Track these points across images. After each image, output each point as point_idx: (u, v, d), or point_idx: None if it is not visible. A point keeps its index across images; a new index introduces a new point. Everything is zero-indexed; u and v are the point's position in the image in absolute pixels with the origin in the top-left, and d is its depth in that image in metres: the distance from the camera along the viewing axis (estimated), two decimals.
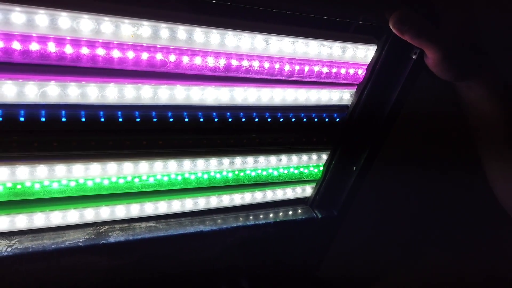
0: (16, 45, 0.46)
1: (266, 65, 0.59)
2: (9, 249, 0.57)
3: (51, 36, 0.47)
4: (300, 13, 0.56)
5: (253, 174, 0.73)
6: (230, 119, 0.63)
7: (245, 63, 0.58)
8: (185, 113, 0.59)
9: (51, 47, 0.47)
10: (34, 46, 0.46)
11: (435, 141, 0.75)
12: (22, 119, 0.50)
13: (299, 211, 0.80)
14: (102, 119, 0.54)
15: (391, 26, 0.56)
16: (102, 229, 0.64)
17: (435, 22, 0.56)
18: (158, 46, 0.52)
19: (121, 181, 0.63)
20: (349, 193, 0.78)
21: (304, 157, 0.75)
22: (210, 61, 0.56)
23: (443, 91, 0.66)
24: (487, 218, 0.74)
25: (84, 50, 0.49)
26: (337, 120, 0.72)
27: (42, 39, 0.46)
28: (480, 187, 0.62)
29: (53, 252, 0.59)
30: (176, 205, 0.69)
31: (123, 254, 0.65)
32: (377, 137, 0.71)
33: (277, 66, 0.60)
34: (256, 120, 0.66)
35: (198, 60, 0.55)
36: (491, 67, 0.60)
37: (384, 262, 0.85)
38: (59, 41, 0.47)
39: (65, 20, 0.46)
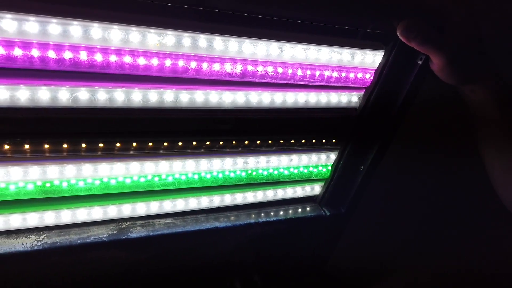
0: (52, 54, 0.49)
1: (280, 70, 0.63)
2: (39, 243, 0.61)
3: (83, 45, 0.50)
4: (312, 22, 0.59)
5: (265, 173, 0.77)
6: (245, 121, 0.67)
7: (260, 69, 0.62)
8: (204, 116, 0.62)
9: (83, 56, 0.51)
10: (67, 55, 0.50)
11: (442, 138, 0.78)
12: (54, 122, 0.54)
13: (308, 208, 0.84)
14: (127, 123, 0.58)
15: (398, 34, 0.59)
16: (124, 225, 0.68)
17: (440, 30, 0.59)
18: (180, 53, 0.56)
19: (142, 179, 0.67)
20: (357, 191, 0.81)
21: (314, 157, 0.78)
22: (228, 67, 0.59)
23: (448, 93, 0.69)
24: (494, 216, 0.77)
25: (113, 58, 0.52)
26: (346, 122, 0.75)
27: (75, 48, 0.50)
28: (486, 186, 0.65)
29: (79, 246, 0.63)
30: (193, 202, 0.73)
31: (144, 249, 0.68)
32: (384, 138, 0.74)
33: (290, 71, 0.64)
34: (269, 122, 0.69)
35: (216, 66, 0.59)
36: (494, 71, 0.64)
37: (391, 258, 0.88)
38: (90, 49, 0.51)
39: (96, 30, 0.49)
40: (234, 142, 0.69)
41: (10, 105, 0.50)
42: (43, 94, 0.51)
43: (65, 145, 0.57)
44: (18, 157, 0.56)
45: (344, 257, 0.89)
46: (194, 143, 0.66)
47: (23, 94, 0.50)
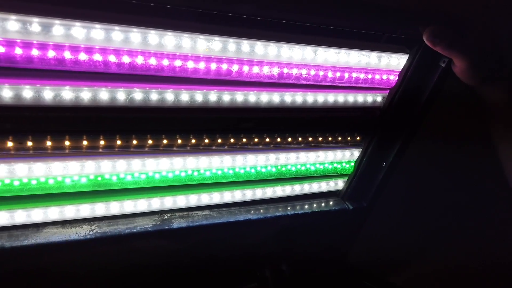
0: (112, 58, 0.54)
1: (313, 72, 0.68)
2: (91, 233, 0.66)
3: (139, 51, 0.56)
4: (342, 27, 0.64)
5: (293, 169, 0.82)
6: (277, 120, 0.72)
7: (294, 71, 0.67)
8: (241, 116, 0.67)
9: (139, 60, 0.56)
10: (125, 59, 0.55)
11: (462, 135, 0.82)
12: (111, 120, 0.59)
13: (332, 202, 0.89)
14: (174, 122, 0.63)
15: (424, 39, 0.64)
16: (166, 217, 0.73)
17: (463, 36, 0.64)
18: (224, 57, 0.61)
19: (183, 174, 0.72)
20: (378, 186, 0.86)
21: (339, 153, 0.83)
22: (266, 70, 0.64)
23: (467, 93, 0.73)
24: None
25: (165, 62, 0.57)
26: (370, 120, 0.80)
27: (133, 53, 0.55)
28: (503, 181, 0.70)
29: (127, 236, 0.68)
30: (228, 196, 0.78)
31: (184, 238, 0.73)
32: (406, 136, 0.79)
33: (321, 73, 0.69)
34: (299, 120, 0.74)
35: (256, 69, 0.64)
36: (510, 73, 0.68)
37: (409, 250, 0.93)
38: (146, 54, 0.56)
39: (153, 37, 0.54)
40: (267, 140, 0.74)
41: (74, 104, 0.55)
42: (103, 95, 0.56)
43: (118, 142, 0.62)
44: (75, 152, 0.61)
45: (365, 248, 0.94)
46: (232, 140, 0.71)
47: (86, 95, 0.56)
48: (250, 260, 0.85)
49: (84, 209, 0.67)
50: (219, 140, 0.69)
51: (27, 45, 0.50)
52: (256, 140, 0.73)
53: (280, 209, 0.83)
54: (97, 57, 0.54)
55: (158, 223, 0.71)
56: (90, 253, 0.67)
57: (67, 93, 0.55)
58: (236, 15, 0.56)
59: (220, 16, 0.56)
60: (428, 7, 0.64)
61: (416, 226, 0.92)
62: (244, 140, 0.72)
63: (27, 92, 0.52)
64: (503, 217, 0.89)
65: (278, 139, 0.75)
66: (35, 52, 0.50)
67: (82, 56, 0.53)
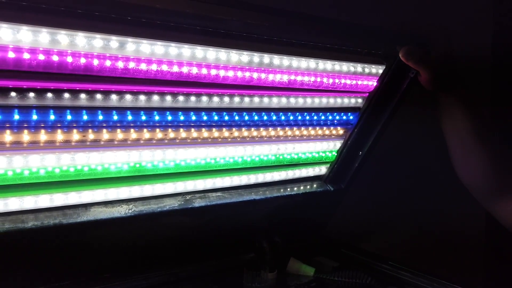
0: (153, 66, 0.67)
1: (312, 79, 0.84)
2: (130, 211, 0.78)
3: (174, 61, 0.68)
4: (337, 46, 0.81)
5: (288, 157, 0.98)
6: (282, 118, 0.88)
7: (299, 78, 0.82)
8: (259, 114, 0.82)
9: (178, 68, 0.69)
10: (152, 66, 0.68)
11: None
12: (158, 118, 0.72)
13: (316, 185, 1.06)
14: (213, 118, 0.77)
15: (400, 55, 0.82)
16: (187, 197, 0.86)
17: (428, 54, 0.83)
18: (246, 67, 0.75)
19: (203, 162, 0.86)
20: (355, 171, 1.05)
21: (325, 144, 1.01)
22: (278, 77, 0.80)
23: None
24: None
25: (204, 71, 0.71)
26: (351, 117, 0.98)
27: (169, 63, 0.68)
28: None
29: (158, 214, 0.81)
30: (236, 180, 0.92)
31: (202, 215, 0.87)
32: (379, 130, 0.98)
33: (318, 79, 0.85)
34: (295, 118, 0.90)
35: (270, 77, 0.79)
36: (463, 85, 0.89)
37: (379, 222, 1.14)
38: (190, 65, 0.69)
39: (186, 51, 0.68)
40: (272, 133, 0.89)
41: (133, 105, 0.68)
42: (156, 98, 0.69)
43: (159, 135, 0.75)
44: (122, 143, 0.73)
45: (342, 222, 1.14)
46: (245, 133, 0.85)
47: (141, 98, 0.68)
48: (250, 233, 1.01)
49: (123, 192, 0.79)
50: (236, 134, 0.84)
51: None
52: (264, 133, 0.88)
53: (276, 191, 0.99)
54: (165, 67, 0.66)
55: (182, 202, 0.85)
56: (130, 227, 0.79)
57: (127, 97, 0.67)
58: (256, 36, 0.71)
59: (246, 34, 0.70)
60: (404, 32, 0.82)
61: (384, 204, 1.12)
62: (255, 133, 0.87)
63: None
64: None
65: (280, 133, 0.91)
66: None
67: (165, 67, 0.65)
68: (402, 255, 1.08)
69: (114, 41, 0.60)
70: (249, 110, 0.83)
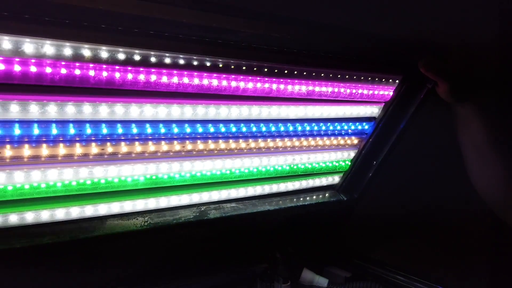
0: (175, 79, 0.66)
1: (342, 90, 0.84)
2: (146, 223, 0.77)
3: (195, 74, 0.67)
4: (354, 56, 0.80)
5: (302, 166, 0.97)
6: (299, 129, 0.87)
7: (324, 89, 0.81)
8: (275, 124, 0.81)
9: (205, 81, 0.68)
10: (173, 79, 0.67)
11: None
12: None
13: (330, 195, 1.05)
14: (230, 129, 0.76)
15: (419, 66, 0.81)
16: (202, 208, 0.85)
17: (448, 66, 0.82)
18: (266, 78, 0.74)
19: (218, 173, 0.85)
20: (368, 181, 1.04)
21: (339, 153, 1.00)
22: (290, 87, 0.79)
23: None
24: None
25: (224, 83, 0.70)
26: (366, 127, 0.97)
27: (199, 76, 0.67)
28: None
29: (174, 226, 0.80)
30: (251, 190, 0.91)
31: (217, 226, 0.86)
32: (394, 140, 0.97)
33: (342, 90, 0.84)
34: (311, 129, 0.89)
35: (289, 87, 0.78)
36: (480, 96, 0.88)
37: (392, 231, 1.13)
38: (210, 77, 0.68)
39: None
40: (288, 144, 0.88)
41: (153, 118, 0.66)
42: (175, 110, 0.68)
43: (177, 147, 0.74)
44: (140, 156, 0.72)
45: (352, 231, 1.13)
46: (262, 144, 0.84)
47: (161, 110, 0.67)
48: (263, 244, 1.00)
49: (139, 204, 0.78)
50: (253, 145, 0.83)
51: None
52: (280, 144, 0.87)
53: (289, 201, 0.98)
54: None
55: (197, 214, 0.83)
56: (146, 241, 0.78)
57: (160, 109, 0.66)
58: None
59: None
60: (422, 42, 0.81)
61: (397, 213, 1.12)
62: (271, 144, 0.85)
63: None
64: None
65: (296, 143, 0.90)
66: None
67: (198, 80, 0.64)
68: (415, 265, 1.08)
69: (137, 54, 0.59)
70: (267, 121, 0.82)
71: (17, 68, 0.52)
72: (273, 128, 0.83)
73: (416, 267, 1.07)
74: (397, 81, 0.89)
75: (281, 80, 0.76)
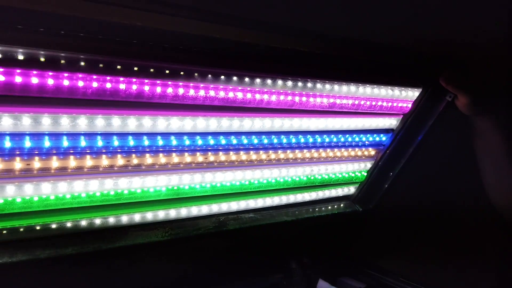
0: (201, 92, 0.66)
1: (356, 102, 0.84)
2: (167, 234, 0.77)
3: (221, 87, 0.68)
4: (375, 69, 0.81)
5: (319, 177, 0.97)
6: (318, 140, 0.87)
7: (344, 101, 0.82)
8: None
9: (240, 95, 0.68)
10: (200, 92, 0.67)
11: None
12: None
13: (347, 205, 1.05)
14: (252, 141, 0.76)
15: (440, 80, 0.82)
16: (221, 219, 0.85)
17: (469, 79, 0.82)
18: (289, 91, 0.74)
19: (237, 183, 0.85)
20: (384, 192, 1.04)
21: (356, 164, 1.00)
22: (312, 100, 0.79)
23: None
24: None
25: (249, 96, 0.70)
26: (384, 138, 0.97)
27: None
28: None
29: (194, 237, 0.80)
30: (268, 201, 0.91)
31: (236, 237, 0.86)
32: (412, 152, 0.97)
33: (362, 102, 0.84)
34: (330, 140, 0.90)
35: (312, 100, 0.78)
36: (498, 110, 0.88)
37: (406, 241, 1.13)
38: (235, 90, 0.68)
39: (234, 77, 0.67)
40: (307, 155, 0.88)
41: (179, 130, 0.67)
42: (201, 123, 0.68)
43: (200, 159, 0.74)
44: (163, 167, 0.72)
45: (365, 242, 1.13)
46: (282, 155, 0.84)
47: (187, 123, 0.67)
48: (279, 254, 0.99)
49: (160, 214, 0.78)
50: (282, 156, 0.83)
51: None
52: (299, 155, 0.87)
53: (306, 212, 0.98)
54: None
55: (217, 225, 0.83)
56: (166, 252, 0.78)
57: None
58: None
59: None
60: (443, 56, 0.82)
61: (411, 224, 1.12)
62: (291, 155, 0.86)
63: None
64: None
65: (315, 154, 0.90)
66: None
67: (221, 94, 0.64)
68: (430, 277, 1.07)
69: (167, 69, 0.59)
70: (288, 133, 0.82)
71: (50, 81, 0.52)
72: (293, 140, 0.83)
73: (431, 279, 1.06)
74: (416, 93, 0.90)
75: (304, 93, 0.76)
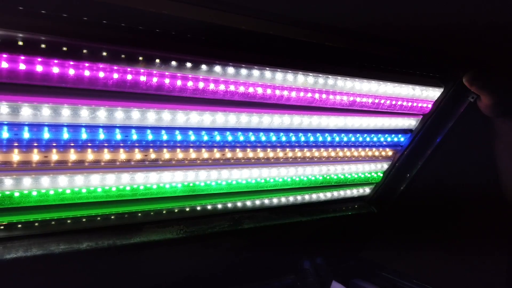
0: (222, 87, 0.65)
1: (376, 101, 0.82)
2: (181, 231, 0.76)
3: (241, 81, 0.66)
4: (396, 68, 0.79)
5: (335, 177, 0.95)
6: (336, 139, 0.85)
7: (364, 99, 0.80)
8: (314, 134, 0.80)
9: (260, 90, 0.67)
10: (220, 86, 0.66)
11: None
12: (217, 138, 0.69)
13: (362, 206, 1.03)
14: (270, 138, 0.74)
15: (464, 81, 0.79)
16: (236, 217, 0.84)
17: (492, 80, 0.80)
18: (309, 88, 0.73)
19: (253, 181, 0.83)
20: (400, 193, 1.01)
21: (372, 165, 0.98)
22: (332, 97, 0.77)
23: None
24: None
25: (268, 91, 0.68)
26: (402, 139, 0.95)
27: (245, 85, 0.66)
28: None
29: (209, 235, 0.78)
30: (284, 200, 0.90)
31: (251, 235, 0.85)
32: (430, 153, 0.95)
33: (382, 101, 0.82)
34: (348, 139, 0.88)
35: (331, 98, 0.76)
36: None
37: (420, 243, 1.11)
38: (255, 85, 0.67)
39: (255, 72, 0.65)
40: (324, 154, 0.87)
41: (198, 125, 0.65)
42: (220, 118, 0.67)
43: (217, 155, 0.72)
44: (179, 163, 0.71)
45: (376, 243, 1.11)
46: (299, 154, 0.83)
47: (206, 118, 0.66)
48: (292, 254, 0.98)
49: (176, 211, 0.76)
50: (299, 154, 0.81)
51: None
52: (316, 154, 0.85)
53: (321, 212, 0.96)
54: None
55: (231, 223, 0.82)
56: (179, 248, 0.77)
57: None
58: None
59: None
60: (466, 55, 0.80)
61: (423, 229, 1.10)
62: (308, 154, 0.84)
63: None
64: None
65: (332, 154, 0.88)
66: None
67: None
68: (445, 280, 1.05)
69: (189, 62, 0.57)
70: (306, 131, 0.80)
71: (71, 71, 0.51)
72: (311, 138, 0.82)
73: (446, 282, 1.04)
74: (438, 93, 0.88)
75: (324, 90, 0.74)
